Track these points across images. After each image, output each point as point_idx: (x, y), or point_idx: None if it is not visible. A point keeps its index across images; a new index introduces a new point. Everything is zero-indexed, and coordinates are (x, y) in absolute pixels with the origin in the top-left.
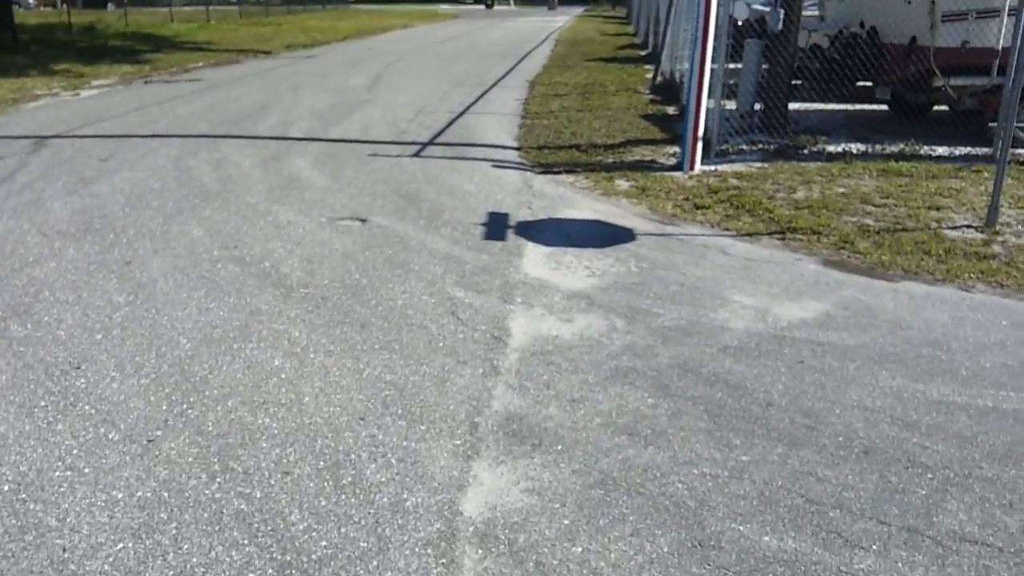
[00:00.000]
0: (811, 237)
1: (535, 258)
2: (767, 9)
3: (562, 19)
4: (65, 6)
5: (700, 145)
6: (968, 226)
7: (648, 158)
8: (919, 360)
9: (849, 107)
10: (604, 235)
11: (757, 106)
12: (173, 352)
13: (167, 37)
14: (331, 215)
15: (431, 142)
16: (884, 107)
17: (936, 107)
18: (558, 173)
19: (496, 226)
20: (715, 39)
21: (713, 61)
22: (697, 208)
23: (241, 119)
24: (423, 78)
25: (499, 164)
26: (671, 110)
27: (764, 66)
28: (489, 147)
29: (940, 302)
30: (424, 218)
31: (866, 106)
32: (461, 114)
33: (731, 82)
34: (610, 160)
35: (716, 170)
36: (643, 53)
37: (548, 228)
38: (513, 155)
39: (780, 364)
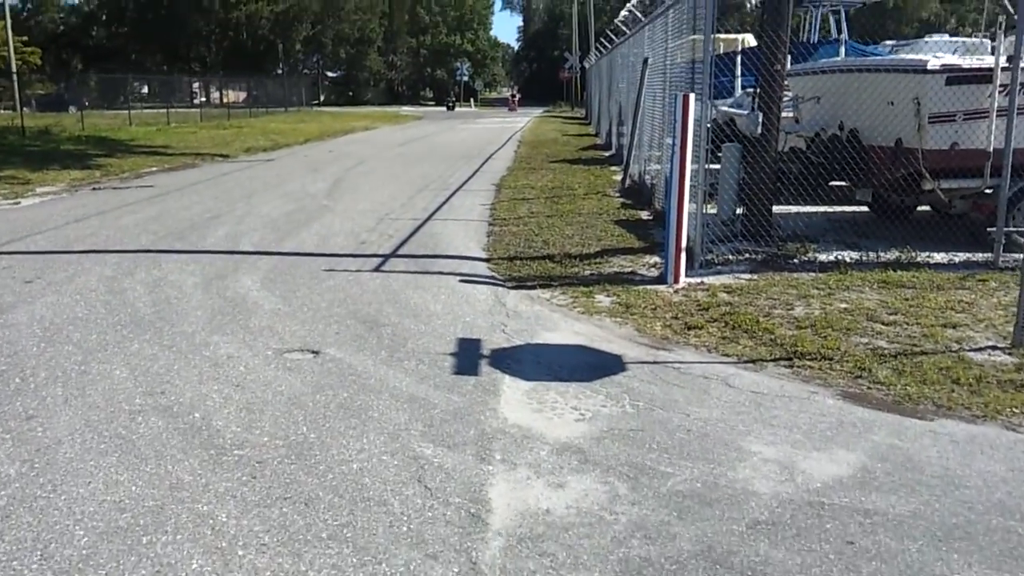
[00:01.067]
0: (822, 364)
1: (514, 397)
2: (741, 111)
3: (522, 120)
4: (22, 109)
5: (684, 256)
6: (993, 347)
7: (627, 269)
8: (992, 535)
9: (830, 209)
10: (590, 364)
11: (739, 211)
12: (64, 551)
13: (123, 141)
14: (279, 346)
15: (394, 254)
16: (864, 208)
17: (919, 207)
18: (532, 288)
19: (467, 356)
20: (694, 142)
21: (693, 162)
22: (689, 329)
23: (188, 231)
24: (386, 182)
25: (468, 278)
26: (645, 215)
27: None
28: (456, 258)
29: (989, 447)
30: (385, 348)
31: (847, 208)
32: (425, 221)
33: (709, 185)
34: (587, 272)
35: (703, 283)
36: (607, 154)
37: (526, 357)
38: (483, 267)
39: (827, 547)
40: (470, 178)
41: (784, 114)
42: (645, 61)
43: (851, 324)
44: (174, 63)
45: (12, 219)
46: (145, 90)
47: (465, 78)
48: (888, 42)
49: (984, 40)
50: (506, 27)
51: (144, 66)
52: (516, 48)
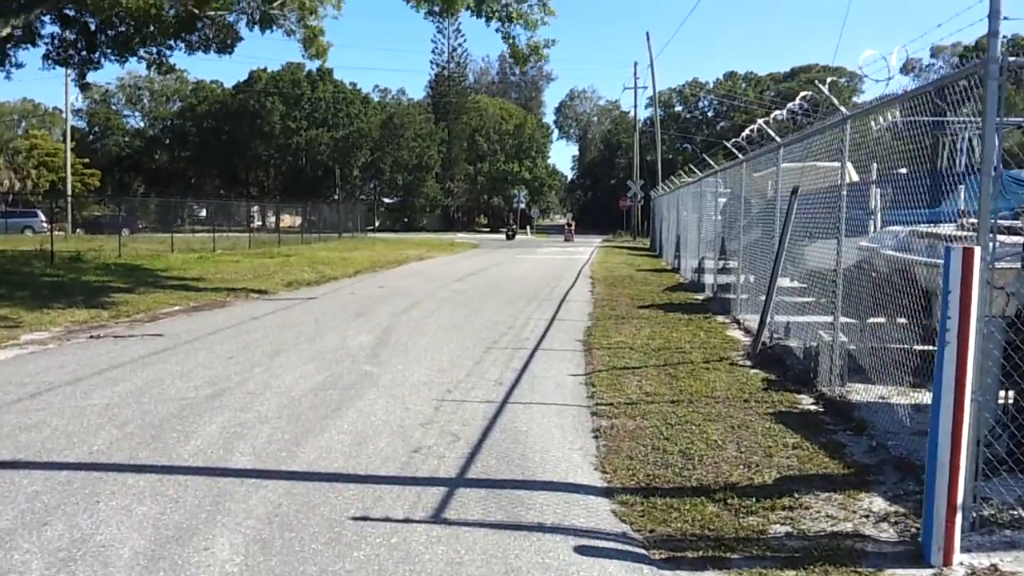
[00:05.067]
0: None
1: None
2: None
3: (584, 250)
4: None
5: (958, 519)
6: None
7: (843, 526)
8: None
9: None
10: None
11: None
12: None
13: (155, 270)
14: None
15: (460, 479)
16: None
17: None
18: (702, 570)
19: None
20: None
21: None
22: None
23: (170, 423)
24: (445, 335)
25: (589, 547)
26: (808, 402)
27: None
28: (561, 490)
29: None
30: None
31: None
32: (502, 406)
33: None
34: (779, 530)
35: (995, 568)
36: (700, 297)
37: None
38: (606, 513)
39: None
40: (547, 330)
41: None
42: (795, 190)
43: None
44: (233, 187)
45: None
46: (203, 213)
47: (522, 205)
48: None
49: None
50: (559, 155)
51: (203, 189)
52: (571, 176)
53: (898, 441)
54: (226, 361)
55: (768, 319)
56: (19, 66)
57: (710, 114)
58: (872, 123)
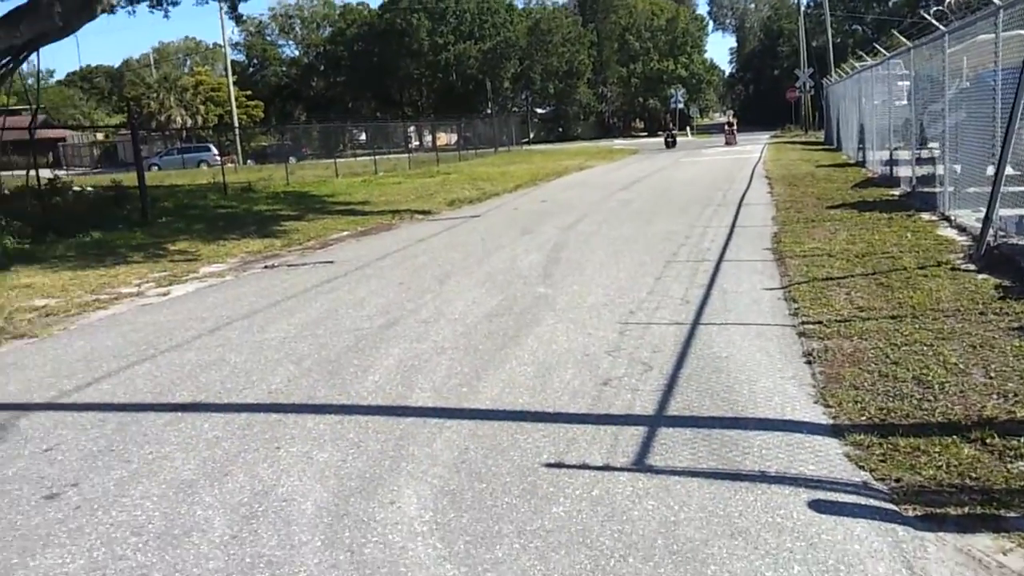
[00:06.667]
0: None
1: None
2: None
3: (753, 148)
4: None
5: None
6: None
7: None
8: None
9: None
10: None
11: None
12: None
13: (322, 196)
14: None
15: (660, 416)
16: None
17: None
18: (970, 532)
19: None
20: None
21: None
22: None
23: (346, 356)
24: (618, 250)
25: (822, 501)
26: None
27: None
28: (777, 429)
29: None
30: None
31: None
32: (693, 328)
33: None
34: None
35: None
36: (896, 193)
37: None
38: (838, 458)
39: None
40: (729, 238)
41: None
42: None
43: None
44: (388, 108)
45: (140, 325)
46: (363, 137)
47: (680, 105)
48: None
49: None
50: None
51: (360, 113)
52: (729, 71)
53: None
54: (397, 287)
55: (994, 214)
56: (175, 3)
57: None
58: None
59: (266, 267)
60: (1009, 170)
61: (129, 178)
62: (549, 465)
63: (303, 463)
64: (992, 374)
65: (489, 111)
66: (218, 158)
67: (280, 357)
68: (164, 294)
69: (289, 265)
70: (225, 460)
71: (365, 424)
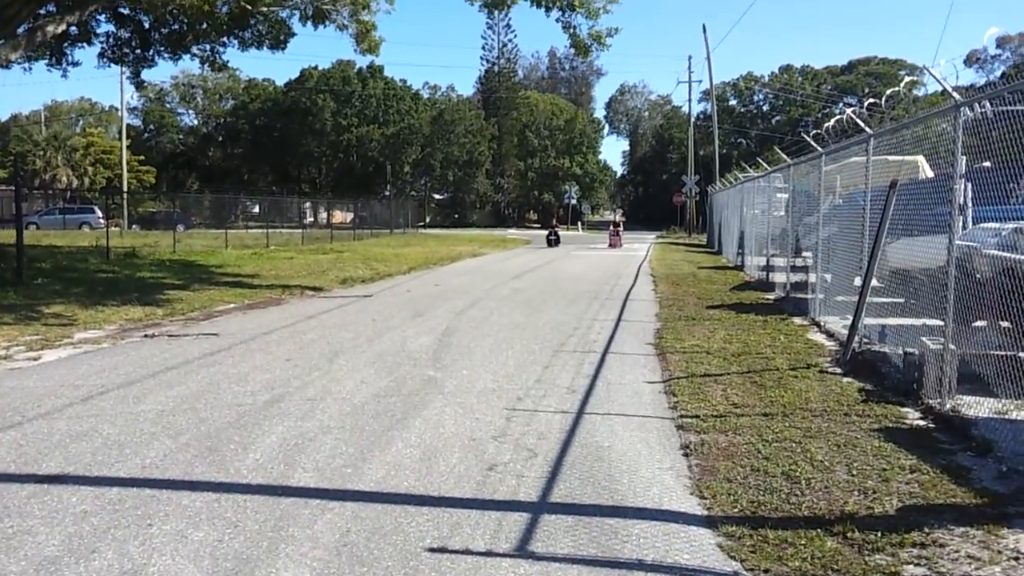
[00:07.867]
0: None
1: None
2: None
3: (640, 247)
4: (131, 226)
5: None
6: None
7: (987, 570)
8: None
9: None
10: None
11: None
12: None
13: (209, 267)
14: None
15: (543, 503)
16: None
17: None
18: None
19: None
20: None
21: None
22: None
23: (226, 432)
24: (507, 337)
25: None
26: (914, 416)
27: None
28: (655, 519)
29: None
30: None
31: None
32: (578, 417)
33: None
34: (913, 572)
35: None
36: (771, 297)
37: None
38: (711, 549)
39: None
40: (615, 331)
41: None
42: (893, 184)
43: None
44: (285, 183)
45: (6, 390)
46: (256, 209)
47: (573, 201)
48: None
49: None
50: (609, 151)
51: (257, 186)
52: (621, 172)
53: None
54: (283, 363)
55: (860, 323)
56: (75, 64)
57: (765, 108)
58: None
59: (146, 336)
60: (874, 282)
61: (5, 235)
62: (432, 550)
63: (177, 542)
64: (854, 471)
65: (387, 193)
66: (102, 221)
67: (157, 430)
68: (35, 359)
69: (171, 335)
70: (93, 536)
71: (244, 503)
